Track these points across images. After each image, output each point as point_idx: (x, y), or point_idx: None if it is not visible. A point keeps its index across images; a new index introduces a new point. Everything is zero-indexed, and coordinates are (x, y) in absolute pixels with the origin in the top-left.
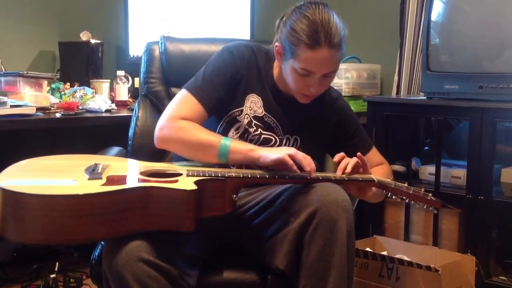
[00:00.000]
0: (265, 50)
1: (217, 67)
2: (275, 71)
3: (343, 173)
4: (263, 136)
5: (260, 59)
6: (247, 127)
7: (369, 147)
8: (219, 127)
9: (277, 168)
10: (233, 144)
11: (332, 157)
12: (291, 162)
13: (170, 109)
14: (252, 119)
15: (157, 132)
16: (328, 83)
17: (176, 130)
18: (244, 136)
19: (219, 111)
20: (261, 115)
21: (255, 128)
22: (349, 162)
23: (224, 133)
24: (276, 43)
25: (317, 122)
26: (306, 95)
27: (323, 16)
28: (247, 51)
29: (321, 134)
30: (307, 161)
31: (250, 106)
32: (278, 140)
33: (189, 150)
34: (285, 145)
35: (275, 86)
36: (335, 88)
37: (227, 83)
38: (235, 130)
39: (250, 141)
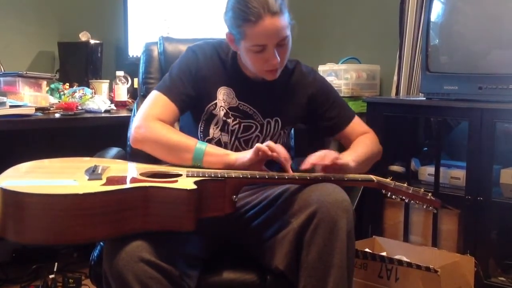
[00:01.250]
0: (226, 43)
1: (182, 66)
2: (240, 61)
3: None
4: (243, 124)
5: (223, 53)
6: (224, 118)
7: (351, 117)
8: (199, 127)
9: (255, 168)
10: (209, 148)
11: (317, 134)
12: (265, 147)
13: (144, 109)
14: (228, 110)
15: (133, 131)
16: (286, 51)
17: (153, 130)
18: (225, 129)
19: (193, 110)
20: (236, 105)
21: (233, 118)
22: (329, 154)
23: (205, 131)
24: (226, 33)
25: (293, 99)
26: (270, 71)
27: None
28: (208, 49)
29: (299, 110)
30: (282, 152)
31: (223, 99)
32: (259, 125)
33: (164, 151)
34: (266, 128)
35: (243, 74)
36: (335, 88)
37: (193, 79)
38: (215, 125)
39: (232, 132)
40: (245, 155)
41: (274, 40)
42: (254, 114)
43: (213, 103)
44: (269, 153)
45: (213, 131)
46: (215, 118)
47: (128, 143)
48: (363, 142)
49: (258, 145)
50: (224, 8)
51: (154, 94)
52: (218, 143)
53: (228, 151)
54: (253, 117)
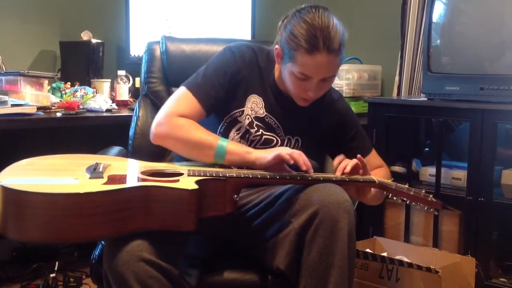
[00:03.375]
0: (267, 51)
1: (218, 66)
2: (276, 72)
3: (343, 173)
4: (264, 136)
5: (262, 60)
6: (248, 127)
7: (369, 149)
8: (220, 127)
9: (275, 169)
10: (230, 146)
11: (332, 158)
12: (287, 156)
13: (169, 105)
14: (254, 119)
15: (154, 128)
16: (327, 87)
17: (174, 127)
18: (245, 137)
19: (218, 110)
20: (263, 115)
21: (256, 128)
22: (349, 163)
23: (225, 133)
24: (276, 46)
25: (318, 123)
26: (304, 99)
27: (323, 21)
28: (248, 52)
29: (322, 135)
30: (303, 159)
31: (251, 107)
32: (279, 140)
33: (186, 149)
34: (286, 145)
35: (276, 87)
36: (336, 89)
37: (227, 82)
38: (236, 131)
39: (251, 142)
40: (266, 157)
41: (321, 76)
42: (278, 128)
43: (240, 110)
44: (291, 163)
45: (233, 135)
46: (239, 124)
47: (130, 142)
48: (379, 175)
49: (281, 153)
50: (288, 19)
51: (182, 91)
52: None
53: (249, 149)
54: (276, 131)
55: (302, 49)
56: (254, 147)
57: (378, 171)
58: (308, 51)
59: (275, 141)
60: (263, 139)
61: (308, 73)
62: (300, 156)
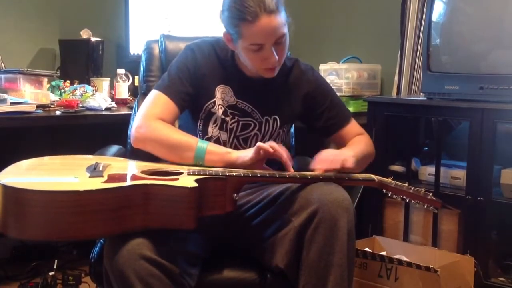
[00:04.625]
0: (224, 42)
1: (180, 64)
2: (238, 59)
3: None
4: (241, 122)
5: (220, 52)
6: (223, 117)
7: (348, 118)
8: (198, 126)
9: (256, 167)
10: (210, 147)
11: (312, 132)
12: (267, 146)
13: (145, 109)
14: (227, 108)
15: (134, 131)
16: (283, 49)
17: (153, 130)
18: (223, 127)
19: (192, 108)
20: (234, 103)
21: (231, 116)
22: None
23: (204, 130)
24: (223, 33)
25: (292, 96)
26: (268, 69)
27: None
28: (206, 47)
29: (298, 109)
30: (283, 152)
31: (222, 97)
32: (257, 123)
33: (166, 151)
34: (265, 127)
35: (241, 72)
36: (335, 87)
37: (191, 77)
38: (213, 124)
39: (230, 131)
40: (247, 154)
41: (272, 39)
42: (253, 112)
43: (211, 101)
44: (271, 151)
45: (212, 130)
46: (214, 116)
47: (129, 141)
48: (359, 142)
49: (259, 144)
50: (221, 7)
51: (153, 94)
52: (217, 142)
53: (230, 150)
54: (251, 115)
55: (243, 22)
56: (234, 135)
57: (359, 138)
58: (249, 21)
59: (252, 125)
60: (240, 125)
61: (259, 41)
62: (280, 147)
